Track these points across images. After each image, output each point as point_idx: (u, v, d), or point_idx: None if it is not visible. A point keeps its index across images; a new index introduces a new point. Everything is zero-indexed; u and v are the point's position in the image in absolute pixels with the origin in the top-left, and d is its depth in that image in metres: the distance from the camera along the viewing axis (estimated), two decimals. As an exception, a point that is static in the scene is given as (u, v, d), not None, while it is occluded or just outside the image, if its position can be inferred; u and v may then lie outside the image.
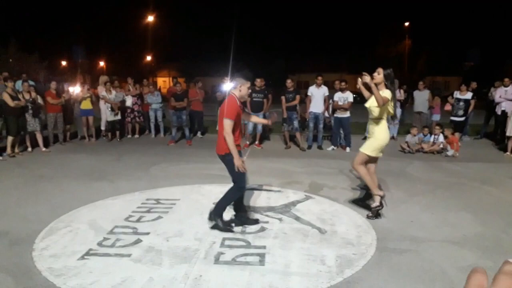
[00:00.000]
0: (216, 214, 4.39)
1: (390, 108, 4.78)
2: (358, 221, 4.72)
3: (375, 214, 4.85)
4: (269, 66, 36.05)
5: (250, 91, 4.73)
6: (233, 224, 4.50)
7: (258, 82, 10.00)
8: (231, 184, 4.45)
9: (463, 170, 7.52)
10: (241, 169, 4.19)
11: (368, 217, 4.83)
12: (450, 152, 8.79)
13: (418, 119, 10.93)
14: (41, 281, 3.31)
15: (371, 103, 4.82)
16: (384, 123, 4.85)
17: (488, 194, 5.95)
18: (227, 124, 4.14)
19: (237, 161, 4.17)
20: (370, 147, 4.92)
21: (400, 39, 39.76)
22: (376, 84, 4.69)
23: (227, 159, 4.26)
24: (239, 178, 4.34)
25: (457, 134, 9.72)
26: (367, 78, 4.66)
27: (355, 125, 11.11)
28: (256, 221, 4.60)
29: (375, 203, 4.92)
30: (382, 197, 4.97)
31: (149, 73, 37.74)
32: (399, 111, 11.00)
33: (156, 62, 42.91)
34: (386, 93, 4.67)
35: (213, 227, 4.39)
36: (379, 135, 4.86)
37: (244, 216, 4.66)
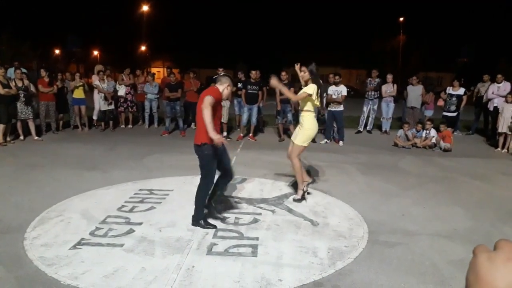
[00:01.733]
0: (196, 218, 4.26)
1: (316, 101, 5.09)
2: (350, 214, 4.75)
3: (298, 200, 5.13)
4: (264, 59, 35.95)
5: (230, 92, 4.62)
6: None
7: (253, 74, 9.97)
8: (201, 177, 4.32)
9: (454, 165, 7.59)
10: (220, 144, 3.95)
11: (294, 200, 5.16)
12: (448, 145, 8.84)
13: (411, 114, 10.98)
14: (32, 270, 3.29)
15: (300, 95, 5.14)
16: (311, 114, 5.18)
17: (478, 189, 6.02)
18: (208, 99, 3.94)
19: (215, 136, 3.89)
20: (302, 138, 5.14)
21: (394, 34, 39.81)
22: (306, 81, 5.14)
23: (202, 149, 4.11)
24: (209, 173, 4.24)
25: (449, 130, 9.78)
26: (274, 82, 5.20)
27: (348, 118, 11.16)
28: (214, 226, 4.25)
29: (297, 196, 5.19)
30: (304, 192, 5.22)
31: (143, 63, 37.44)
32: (392, 106, 11.06)
33: (150, 52, 42.58)
34: (310, 88, 5.03)
35: (194, 225, 4.26)
36: (308, 125, 5.13)
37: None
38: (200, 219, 4.26)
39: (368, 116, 11.32)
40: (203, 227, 4.20)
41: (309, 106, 5.13)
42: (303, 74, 5.16)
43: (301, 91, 5.13)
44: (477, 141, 10.71)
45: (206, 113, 3.91)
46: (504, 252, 0.54)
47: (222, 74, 4.48)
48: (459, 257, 3.63)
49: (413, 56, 39.48)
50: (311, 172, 6.73)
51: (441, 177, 6.65)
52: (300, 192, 5.20)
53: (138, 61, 36.84)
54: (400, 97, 11.80)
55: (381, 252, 3.75)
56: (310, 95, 5.01)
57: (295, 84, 10.23)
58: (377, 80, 11.20)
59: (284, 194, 5.47)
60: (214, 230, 4.14)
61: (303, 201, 5.14)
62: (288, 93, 5.58)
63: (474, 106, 11.76)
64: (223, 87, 4.29)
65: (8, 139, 8.57)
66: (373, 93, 11.07)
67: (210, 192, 4.39)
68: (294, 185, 5.88)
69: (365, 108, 11.23)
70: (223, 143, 4.01)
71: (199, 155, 4.21)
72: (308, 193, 5.31)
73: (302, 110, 5.22)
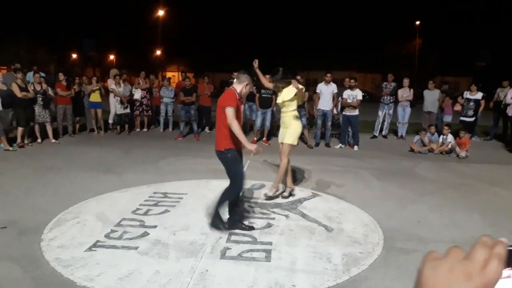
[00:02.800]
0: (215, 217, 4.26)
1: (299, 100, 5.48)
2: (365, 220, 4.69)
3: (268, 198, 5.31)
4: (279, 62, 36.01)
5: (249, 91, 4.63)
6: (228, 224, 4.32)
7: (266, 78, 9.94)
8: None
9: (472, 171, 7.45)
10: (255, 152, 4.01)
11: (265, 195, 5.35)
12: (463, 154, 8.67)
13: (428, 119, 10.84)
14: (49, 271, 3.34)
15: (284, 98, 5.35)
16: (296, 114, 5.45)
17: (497, 196, 5.89)
18: (230, 111, 3.95)
19: (249, 146, 4.01)
20: (292, 137, 5.32)
21: (410, 37, 39.39)
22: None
23: (226, 155, 4.08)
24: (237, 176, 4.17)
25: (466, 135, 9.62)
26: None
27: (363, 123, 11.07)
28: (251, 228, 4.30)
29: (270, 193, 5.34)
30: (280, 194, 5.45)
31: (158, 67, 37.84)
32: (408, 110, 10.92)
33: (166, 56, 42.99)
34: (291, 92, 5.32)
35: (212, 227, 4.26)
36: (295, 125, 5.37)
37: (236, 219, 4.35)
38: (218, 219, 4.26)
39: (383, 121, 11.21)
40: (220, 228, 4.20)
41: (294, 106, 5.38)
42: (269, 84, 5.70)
43: (285, 96, 5.35)
44: (496, 146, 10.50)
45: (235, 127, 3.95)
46: (448, 262, 0.50)
47: (241, 71, 4.41)
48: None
49: (429, 60, 39.00)
50: (325, 177, 6.69)
51: (458, 183, 6.53)
52: (273, 190, 5.35)
53: (153, 65, 37.24)
54: (416, 102, 11.63)
55: (397, 259, 3.69)
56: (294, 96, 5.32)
57: (309, 88, 10.22)
58: (393, 84, 11.08)
59: (298, 199, 5.44)
60: (227, 234, 4.14)
61: (300, 204, 5.19)
62: (264, 81, 6.02)
63: (492, 111, 11.54)
64: (242, 86, 4.25)
65: (26, 141, 8.74)
66: (388, 97, 10.96)
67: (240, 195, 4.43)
68: (305, 190, 5.85)
69: (380, 113, 11.12)
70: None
71: (224, 161, 4.16)
72: (283, 197, 5.42)
73: (287, 112, 5.41)
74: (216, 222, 4.26)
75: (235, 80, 4.36)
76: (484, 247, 0.50)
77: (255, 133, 10.18)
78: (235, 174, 4.18)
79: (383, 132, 11.24)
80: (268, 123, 10.01)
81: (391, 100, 10.97)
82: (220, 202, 4.26)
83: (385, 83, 11.27)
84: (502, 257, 0.49)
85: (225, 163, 4.16)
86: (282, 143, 5.40)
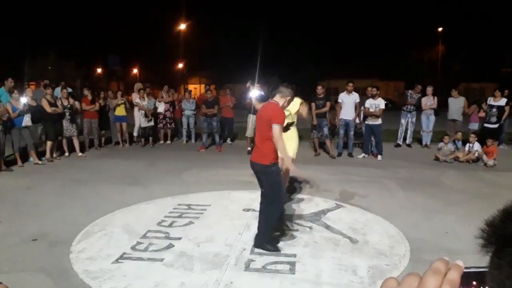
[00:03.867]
0: (263, 240, 4.08)
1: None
2: (391, 231, 4.62)
3: None
4: (299, 73, 36.00)
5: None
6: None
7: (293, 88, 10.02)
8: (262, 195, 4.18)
9: (500, 180, 7.23)
10: (297, 173, 4.07)
11: None
12: (490, 162, 8.43)
13: (452, 127, 10.61)
14: (78, 283, 3.42)
15: (292, 111, 5.30)
16: (295, 127, 5.59)
17: (528, 206, 5.69)
18: (278, 129, 3.88)
19: (293, 168, 4.05)
20: (295, 151, 5.41)
21: (433, 44, 38.79)
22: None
23: (271, 169, 3.97)
24: (278, 192, 4.04)
25: (494, 143, 9.37)
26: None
27: (386, 132, 10.92)
28: (277, 249, 4.10)
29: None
30: None
31: (180, 81, 38.45)
32: (432, 118, 10.73)
33: (188, 69, 43.70)
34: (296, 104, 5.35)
35: (260, 248, 4.08)
36: (296, 137, 5.53)
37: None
38: (267, 242, 4.09)
39: (406, 129, 11.03)
40: (269, 250, 4.03)
41: (295, 118, 5.54)
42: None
43: (293, 109, 5.35)
44: (525, 154, 10.17)
45: (281, 145, 3.91)
46: None
47: (284, 84, 4.33)
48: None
49: (453, 66, 38.26)
50: (349, 187, 6.62)
51: (487, 193, 6.35)
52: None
53: (176, 78, 37.88)
54: (441, 110, 11.40)
55: (424, 271, 3.60)
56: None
57: (330, 97, 10.20)
58: (419, 95, 10.92)
59: (322, 210, 5.40)
60: (251, 246, 4.14)
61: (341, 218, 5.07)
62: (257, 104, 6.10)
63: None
64: (284, 100, 4.16)
65: (54, 155, 9.01)
66: (411, 106, 10.80)
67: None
68: (328, 201, 5.81)
69: (403, 121, 10.95)
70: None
71: (267, 174, 4.03)
72: None
73: (291, 125, 5.46)
74: (268, 247, 4.06)
75: (277, 93, 4.21)
76: (436, 274, 0.49)
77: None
78: (278, 188, 4.07)
79: (407, 141, 11.05)
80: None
81: (414, 108, 10.80)
82: (264, 227, 4.12)
83: (410, 91, 11.05)
84: (455, 284, 0.48)
85: (269, 177, 4.03)
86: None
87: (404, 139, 11.10)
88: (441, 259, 0.53)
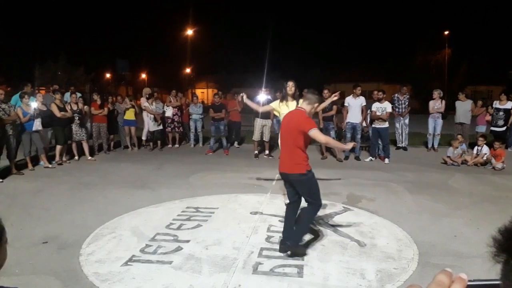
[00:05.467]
0: (297, 243, 4.04)
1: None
2: (399, 235, 4.61)
3: None
4: (305, 76, 36.00)
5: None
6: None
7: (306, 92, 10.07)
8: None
9: (509, 183, 7.18)
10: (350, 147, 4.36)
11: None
12: (499, 165, 8.37)
13: (460, 130, 10.55)
14: (88, 285, 3.46)
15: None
16: None
17: (538, 209, 5.65)
18: (317, 133, 3.92)
19: (346, 146, 4.60)
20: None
21: (439, 47, 38.58)
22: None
23: (308, 176, 3.93)
24: (316, 196, 4.03)
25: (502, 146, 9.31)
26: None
27: (392, 135, 10.88)
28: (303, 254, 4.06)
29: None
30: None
31: (188, 85, 38.68)
32: (439, 122, 10.66)
33: (195, 74, 43.93)
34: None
35: (291, 255, 3.99)
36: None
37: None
38: (298, 245, 4.08)
39: (401, 132, 10.98)
40: (301, 254, 4.00)
41: None
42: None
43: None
44: (535, 157, 10.07)
45: (331, 141, 4.49)
46: None
47: (311, 91, 4.34)
48: None
49: (460, 70, 38.01)
50: (357, 191, 6.61)
51: (495, 196, 6.31)
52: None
53: (183, 83, 38.09)
54: (447, 113, 11.31)
55: (433, 275, 3.57)
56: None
57: (337, 101, 10.17)
58: (406, 96, 10.87)
59: (329, 213, 5.41)
60: (259, 249, 4.15)
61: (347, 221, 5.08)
62: (256, 107, 6.17)
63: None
64: (311, 106, 4.17)
65: (64, 159, 9.11)
66: (401, 108, 10.67)
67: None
68: (336, 204, 5.81)
69: (397, 125, 10.90)
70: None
71: (305, 182, 3.97)
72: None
73: None
74: (299, 251, 4.04)
75: (305, 100, 4.22)
76: (439, 287, 0.50)
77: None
78: (317, 192, 4.05)
79: (403, 144, 10.97)
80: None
81: (404, 111, 10.69)
82: (303, 229, 4.13)
83: (397, 95, 10.90)
84: None
85: (307, 184, 3.97)
86: None
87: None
88: (445, 271, 0.53)
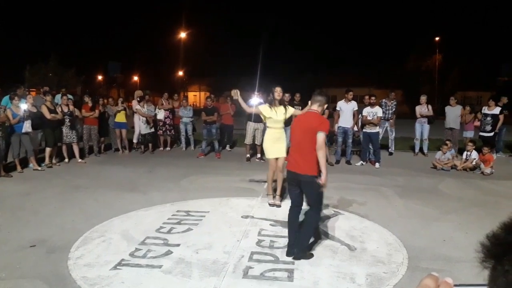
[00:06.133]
0: (304, 248, 4.07)
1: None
2: (389, 239, 4.63)
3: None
4: (297, 81, 36.12)
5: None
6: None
7: (286, 97, 10.13)
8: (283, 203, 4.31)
9: (498, 188, 7.26)
10: (324, 186, 3.95)
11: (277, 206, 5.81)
12: (488, 170, 8.46)
13: (450, 135, 10.66)
14: (76, 289, 3.42)
15: (281, 114, 5.87)
16: (284, 130, 6.11)
17: (526, 214, 5.71)
18: (323, 137, 3.96)
19: (325, 178, 3.93)
20: (285, 150, 5.88)
21: (430, 53, 39.02)
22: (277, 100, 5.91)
23: (315, 180, 3.94)
24: (319, 201, 4.10)
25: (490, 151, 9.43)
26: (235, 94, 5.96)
27: (383, 139, 10.96)
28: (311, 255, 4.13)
29: (278, 201, 5.94)
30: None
31: (180, 88, 38.60)
32: (426, 127, 10.75)
33: (187, 77, 43.85)
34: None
35: (296, 258, 4.01)
36: (285, 139, 6.04)
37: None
38: (307, 250, 4.11)
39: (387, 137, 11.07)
40: (309, 257, 4.04)
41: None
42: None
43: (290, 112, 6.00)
44: (523, 162, 10.22)
45: (322, 155, 3.96)
46: None
47: (322, 92, 4.38)
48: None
49: (450, 75, 38.45)
50: (347, 195, 6.64)
51: (484, 201, 6.38)
52: (279, 198, 5.98)
53: (175, 85, 37.99)
54: (434, 118, 11.38)
55: (422, 279, 3.61)
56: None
57: (328, 105, 10.23)
58: (394, 102, 10.95)
59: (319, 217, 5.40)
60: (249, 253, 4.15)
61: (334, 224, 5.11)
62: (245, 107, 6.26)
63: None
64: (322, 108, 4.25)
65: (54, 161, 9.02)
66: (388, 113, 10.75)
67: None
68: (327, 208, 5.83)
69: (380, 130, 10.97)
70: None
71: (313, 185, 3.98)
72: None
73: (280, 127, 5.95)
74: (308, 255, 4.06)
75: (314, 102, 4.25)
76: None
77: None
78: (321, 198, 4.11)
79: (390, 149, 11.05)
80: (288, 140, 10.04)
81: (391, 116, 10.77)
82: (309, 233, 4.14)
83: (384, 100, 10.96)
84: None
85: (315, 187, 3.97)
86: (277, 158, 5.88)
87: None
88: (431, 275, 0.54)
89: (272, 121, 5.88)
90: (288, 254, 4.07)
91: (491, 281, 0.53)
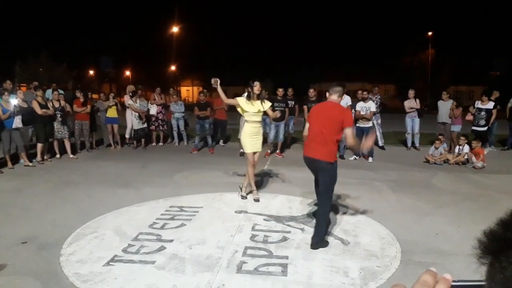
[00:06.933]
0: (322, 237, 4.23)
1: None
2: (382, 233, 4.65)
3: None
4: (291, 75, 36.15)
5: None
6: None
7: (280, 92, 10.18)
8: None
9: (490, 182, 7.32)
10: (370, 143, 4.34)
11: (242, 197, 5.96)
12: (479, 164, 8.53)
13: (442, 130, 10.71)
14: (68, 286, 3.39)
15: (259, 109, 5.85)
16: (261, 124, 6.12)
17: (517, 207, 5.76)
18: (351, 132, 4.20)
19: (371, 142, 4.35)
20: (261, 144, 6.06)
21: (424, 48, 39.17)
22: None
23: (334, 165, 4.21)
24: (330, 190, 4.28)
25: (479, 144, 9.49)
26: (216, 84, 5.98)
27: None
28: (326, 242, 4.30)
29: (252, 194, 6.01)
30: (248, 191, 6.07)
31: (173, 82, 38.40)
32: (417, 121, 10.80)
33: (180, 71, 43.61)
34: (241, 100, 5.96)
35: (315, 247, 4.15)
36: (262, 133, 6.08)
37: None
38: (324, 238, 4.26)
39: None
40: (326, 245, 4.19)
41: (261, 116, 6.03)
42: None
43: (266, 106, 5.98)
44: (514, 156, 10.30)
45: (356, 147, 4.60)
46: None
47: (340, 83, 4.55)
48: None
49: (443, 70, 38.65)
50: (341, 189, 6.64)
51: (477, 195, 6.43)
52: (247, 190, 6.07)
53: (168, 80, 37.77)
54: (423, 111, 11.40)
55: (415, 273, 3.64)
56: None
57: (322, 100, 10.23)
58: (378, 96, 10.99)
59: (314, 211, 5.42)
60: (243, 248, 4.14)
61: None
62: (223, 97, 6.13)
63: (508, 120, 11.35)
64: (341, 98, 4.47)
65: (45, 157, 8.93)
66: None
67: None
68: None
69: (377, 126, 11.00)
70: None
71: (330, 171, 4.20)
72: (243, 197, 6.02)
73: (258, 121, 5.95)
74: (325, 243, 4.22)
75: (333, 93, 4.39)
76: (424, 287, 0.50)
77: (268, 146, 10.21)
78: (334, 185, 4.30)
79: (379, 143, 11.09)
80: (281, 135, 10.05)
81: (378, 111, 10.79)
82: (324, 220, 4.28)
83: (369, 95, 10.99)
84: None
85: (330, 173, 4.21)
86: (255, 152, 5.92)
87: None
88: (429, 271, 0.53)
89: (249, 115, 5.92)
90: (313, 246, 4.18)
91: (489, 278, 0.52)
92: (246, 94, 6.09)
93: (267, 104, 6.02)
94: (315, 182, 4.49)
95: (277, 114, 6.22)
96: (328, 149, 4.16)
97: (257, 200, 5.89)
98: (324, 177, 4.23)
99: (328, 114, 4.23)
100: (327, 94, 4.54)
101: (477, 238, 0.54)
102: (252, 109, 5.87)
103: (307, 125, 4.62)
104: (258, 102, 5.90)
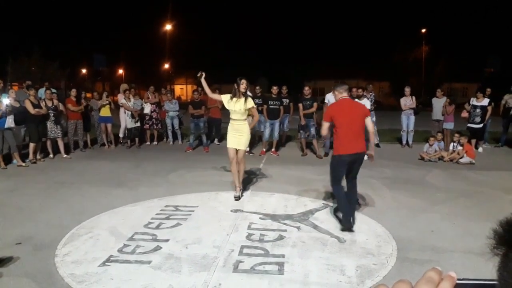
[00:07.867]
0: (345, 219, 4.71)
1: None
2: (378, 231, 4.66)
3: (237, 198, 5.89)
4: (286, 73, 36.10)
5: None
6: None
7: (274, 90, 10.17)
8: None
9: (484, 179, 7.37)
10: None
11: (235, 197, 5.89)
12: (465, 160, 8.60)
13: (437, 127, 10.76)
14: (63, 287, 3.36)
15: (241, 107, 5.82)
16: (247, 122, 6.11)
17: (511, 204, 5.81)
18: (370, 120, 4.81)
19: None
20: (247, 143, 6.15)
21: (418, 45, 39.32)
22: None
23: (364, 155, 4.75)
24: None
25: (474, 141, 9.56)
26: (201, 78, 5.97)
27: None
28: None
29: (237, 193, 5.95)
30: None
31: (166, 81, 38.25)
32: (412, 118, 10.83)
33: (174, 69, 43.44)
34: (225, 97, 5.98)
35: (345, 229, 4.61)
36: (249, 131, 6.06)
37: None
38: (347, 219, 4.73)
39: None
40: (347, 230, 4.62)
41: (246, 114, 5.98)
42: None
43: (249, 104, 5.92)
44: (508, 153, 10.38)
45: (372, 126, 5.03)
46: None
47: (340, 82, 5.00)
48: (494, 276, 3.49)
49: (437, 67, 38.83)
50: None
51: (471, 191, 6.46)
52: (239, 190, 6.01)
53: (162, 78, 37.62)
54: (419, 109, 11.43)
55: (411, 270, 3.65)
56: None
57: (317, 98, 10.26)
58: (372, 94, 11.02)
59: (309, 210, 5.43)
60: (239, 247, 4.13)
61: (320, 216, 5.15)
62: (208, 91, 6.17)
63: (501, 117, 11.43)
64: (349, 93, 4.98)
65: (38, 157, 8.86)
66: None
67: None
68: (316, 200, 5.84)
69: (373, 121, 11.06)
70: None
71: (361, 161, 4.75)
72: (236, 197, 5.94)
73: (241, 119, 5.92)
74: (347, 226, 4.65)
75: (344, 91, 4.79)
76: (429, 283, 0.50)
77: (263, 144, 10.20)
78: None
79: (374, 141, 11.09)
80: (276, 134, 10.04)
81: (371, 109, 10.84)
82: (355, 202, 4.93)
83: (363, 93, 11.04)
84: None
85: (361, 162, 4.74)
86: (238, 150, 5.94)
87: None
88: (434, 269, 0.53)
89: (231, 112, 5.95)
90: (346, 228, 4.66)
91: (502, 267, 0.53)
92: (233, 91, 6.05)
93: (249, 104, 5.92)
94: (340, 173, 4.78)
95: (255, 114, 6.27)
96: (363, 141, 4.69)
97: (237, 198, 5.86)
98: (359, 166, 4.76)
99: (353, 110, 4.68)
100: (336, 93, 4.88)
101: (492, 228, 0.54)
102: (232, 106, 5.87)
103: (326, 124, 4.79)
104: (242, 100, 5.86)
